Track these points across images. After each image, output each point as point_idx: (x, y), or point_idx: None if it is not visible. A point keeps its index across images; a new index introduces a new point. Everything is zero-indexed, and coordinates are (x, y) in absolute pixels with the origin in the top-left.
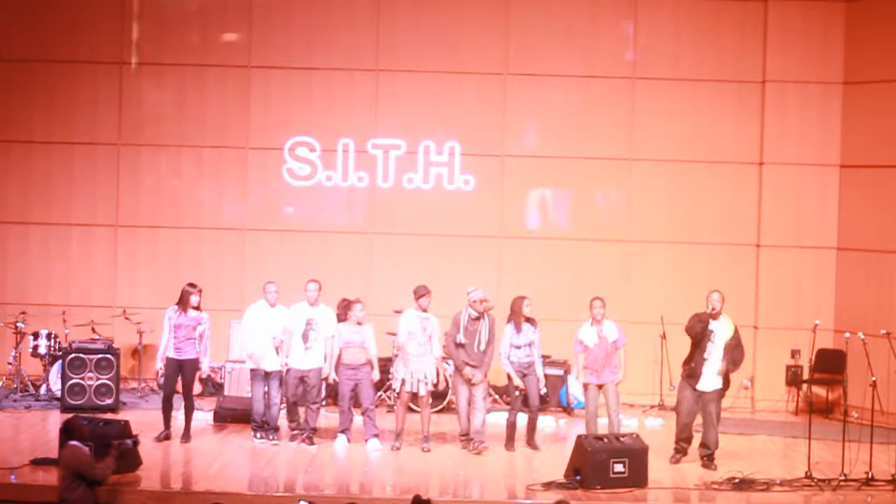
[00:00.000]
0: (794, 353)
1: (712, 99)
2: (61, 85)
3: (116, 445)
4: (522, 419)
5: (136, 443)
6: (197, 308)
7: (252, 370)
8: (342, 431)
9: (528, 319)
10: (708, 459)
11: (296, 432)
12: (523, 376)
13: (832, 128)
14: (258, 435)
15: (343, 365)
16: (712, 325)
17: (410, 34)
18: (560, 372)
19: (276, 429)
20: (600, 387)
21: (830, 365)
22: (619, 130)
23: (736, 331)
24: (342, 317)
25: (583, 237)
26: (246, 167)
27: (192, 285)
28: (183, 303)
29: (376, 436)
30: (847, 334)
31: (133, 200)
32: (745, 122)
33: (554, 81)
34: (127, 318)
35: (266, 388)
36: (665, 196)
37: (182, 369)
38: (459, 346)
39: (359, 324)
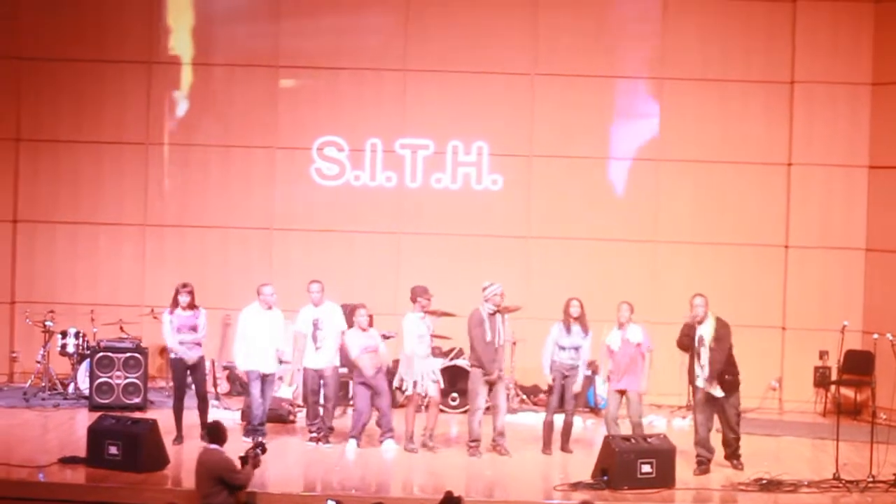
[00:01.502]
0: (823, 355)
1: (740, 100)
2: (89, 84)
3: (252, 453)
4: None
5: (264, 450)
6: (189, 307)
7: (248, 372)
8: (352, 435)
9: (581, 323)
10: (734, 458)
11: (314, 434)
12: (564, 377)
13: (861, 129)
14: (251, 437)
15: (359, 370)
16: (700, 330)
17: (439, 34)
18: (588, 373)
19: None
20: (622, 393)
21: (859, 366)
22: (646, 131)
23: (717, 327)
24: (348, 323)
25: (610, 238)
26: (274, 167)
27: (183, 285)
28: (174, 304)
29: (392, 437)
30: (875, 335)
31: (160, 199)
32: (774, 123)
33: (581, 82)
34: (155, 317)
35: (261, 390)
36: (693, 197)
37: (191, 369)
38: (489, 344)
39: (363, 330)
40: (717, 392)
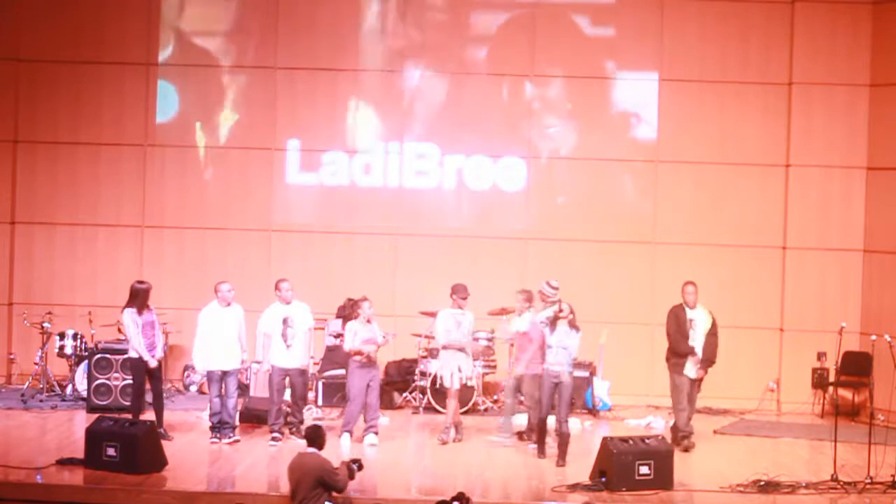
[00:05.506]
0: (820, 356)
1: (738, 101)
2: (87, 86)
3: (349, 462)
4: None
5: (360, 466)
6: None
7: (208, 373)
8: (346, 429)
9: (570, 324)
10: (684, 439)
11: (276, 434)
12: (554, 384)
13: (859, 130)
14: (214, 436)
15: (356, 363)
16: (691, 313)
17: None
18: (586, 374)
19: (234, 427)
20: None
21: (856, 367)
22: (644, 132)
23: (714, 323)
24: (351, 315)
25: (608, 239)
26: (272, 168)
27: (141, 282)
28: (141, 302)
29: (375, 432)
30: (873, 337)
31: (159, 201)
32: (772, 124)
33: (579, 83)
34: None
35: (223, 388)
36: (691, 198)
37: (150, 367)
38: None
39: (368, 321)
40: (693, 373)
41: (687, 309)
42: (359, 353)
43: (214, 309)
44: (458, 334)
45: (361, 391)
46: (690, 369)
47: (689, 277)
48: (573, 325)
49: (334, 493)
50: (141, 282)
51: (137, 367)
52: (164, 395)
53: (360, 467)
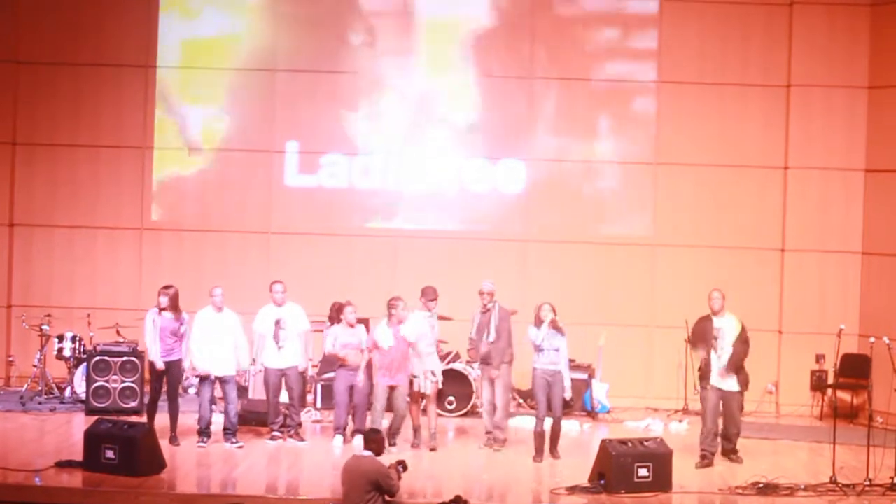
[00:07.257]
0: (819, 358)
1: (737, 103)
2: (87, 88)
3: (396, 465)
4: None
5: (405, 468)
6: (168, 309)
7: (200, 377)
8: (338, 431)
9: (553, 326)
10: (732, 452)
11: (276, 433)
12: (548, 384)
13: (857, 132)
14: (201, 440)
15: (341, 367)
16: (717, 322)
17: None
18: (584, 376)
19: (236, 431)
20: (393, 388)
21: (855, 370)
22: (643, 134)
23: (743, 329)
24: (335, 319)
25: (608, 241)
26: (271, 170)
27: (165, 287)
28: (158, 303)
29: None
30: (872, 339)
31: (158, 203)
32: (771, 126)
33: (579, 85)
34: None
35: (221, 394)
36: (690, 200)
37: (168, 371)
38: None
39: (350, 326)
40: (734, 386)
41: (713, 318)
42: (337, 357)
43: (208, 313)
44: (431, 337)
45: (342, 393)
46: (724, 383)
47: (688, 279)
48: (556, 327)
49: (387, 497)
50: (165, 287)
51: (152, 370)
52: (163, 397)
53: (406, 468)
